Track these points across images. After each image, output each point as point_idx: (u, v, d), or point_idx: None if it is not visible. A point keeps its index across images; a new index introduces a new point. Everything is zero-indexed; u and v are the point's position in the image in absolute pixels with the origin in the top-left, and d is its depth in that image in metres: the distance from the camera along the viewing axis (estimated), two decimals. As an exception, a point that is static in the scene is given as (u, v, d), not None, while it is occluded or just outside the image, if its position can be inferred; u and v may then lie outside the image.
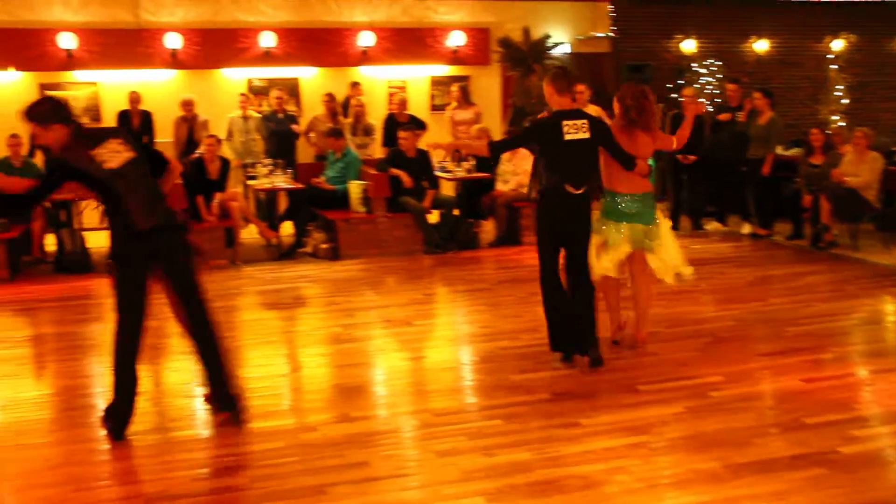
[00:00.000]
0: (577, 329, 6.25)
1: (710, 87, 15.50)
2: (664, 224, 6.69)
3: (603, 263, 6.34)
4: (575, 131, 6.03)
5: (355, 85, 13.27)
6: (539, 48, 12.54)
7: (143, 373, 6.56)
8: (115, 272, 5.25)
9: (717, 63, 15.72)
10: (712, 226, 11.85)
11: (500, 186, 11.01)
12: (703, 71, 15.68)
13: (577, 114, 6.19)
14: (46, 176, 5.53)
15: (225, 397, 5.33)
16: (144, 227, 5.06)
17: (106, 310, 8.76)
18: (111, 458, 5.05)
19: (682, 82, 14.85)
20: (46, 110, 5.12)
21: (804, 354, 6.42)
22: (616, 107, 6.57)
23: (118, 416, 5.25)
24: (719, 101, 14.15)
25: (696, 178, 11.69)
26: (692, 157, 11.30)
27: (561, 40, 14.22)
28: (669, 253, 6.55)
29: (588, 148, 6.13)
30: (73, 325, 8.19)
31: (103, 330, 8.02)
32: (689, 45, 15.71)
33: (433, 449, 4.83)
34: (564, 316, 6.28)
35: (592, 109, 8.92)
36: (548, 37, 12.70)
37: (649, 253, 6.48)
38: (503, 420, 5.22)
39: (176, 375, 6.48)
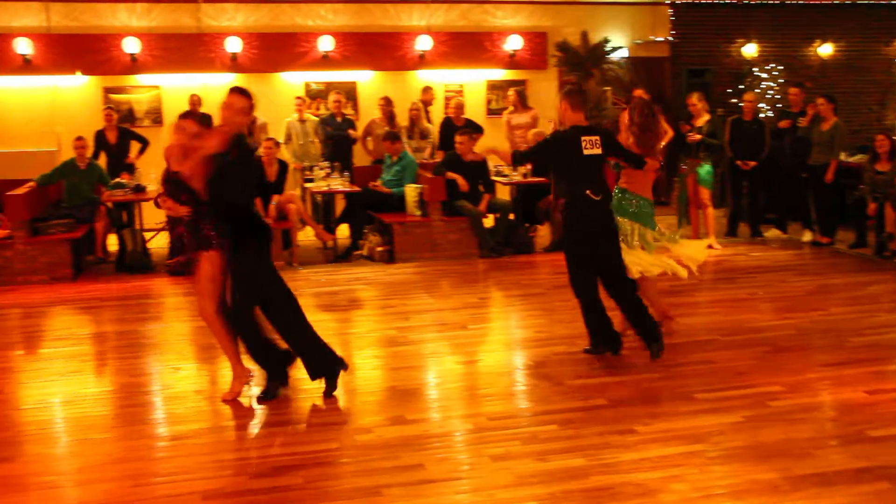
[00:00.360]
0: (638, 324, 6.57)
1: (772, 92, 15.27)
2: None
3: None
4: (591, 147, 6.44)
5: (427, 90, 13.33)
6: (597, 52, 12.43)
7: (201, 373, 6.73)
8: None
9: (779, 67, 15.48)
10: (772, 233, 11.69)
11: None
12: (765, 76, 15.45)
13: (591, 130, 6.60)
14: None
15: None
16: None
17: (165, 309, 8.94)
18: (169, 455, 5.11)
19: (743, 87, 14.65)
20: None
21: (867, 366, 6.29)
22: (625, 116, 6.96)
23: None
24: (780, 106, 13.92)
25: (756, 184, 11.53)
26: (752, 163, 11.15)
27: (619, 44, 14.13)
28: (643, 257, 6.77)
29: (601, 161, 6.58)
30: (133, 323, 8.35)
31: (162, 329, 8.20)
32: (750, 50, 15.47)
33: (487, 453, 4.80)
34: (602, 312, 6.57)
35: None
36: (606, 41, 12.57)
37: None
38: (558, 425, 5.19)
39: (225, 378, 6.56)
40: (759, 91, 14.72)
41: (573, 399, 5.70)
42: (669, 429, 5.10)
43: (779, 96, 14.88)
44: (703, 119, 10.90)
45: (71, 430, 5.74)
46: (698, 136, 10.72)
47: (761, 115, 13.06)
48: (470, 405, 5.76)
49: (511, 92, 12.52)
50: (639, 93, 10.92)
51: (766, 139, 11.29)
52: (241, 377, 5.94)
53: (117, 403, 6.18)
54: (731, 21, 15.69)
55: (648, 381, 6.04)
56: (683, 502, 4.20)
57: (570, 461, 4.66)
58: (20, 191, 10.19)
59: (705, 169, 10.82)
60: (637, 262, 6.66)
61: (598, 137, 6.48)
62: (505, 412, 5.55)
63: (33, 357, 7.64)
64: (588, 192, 6.39)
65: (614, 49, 12.87)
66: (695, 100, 11.02)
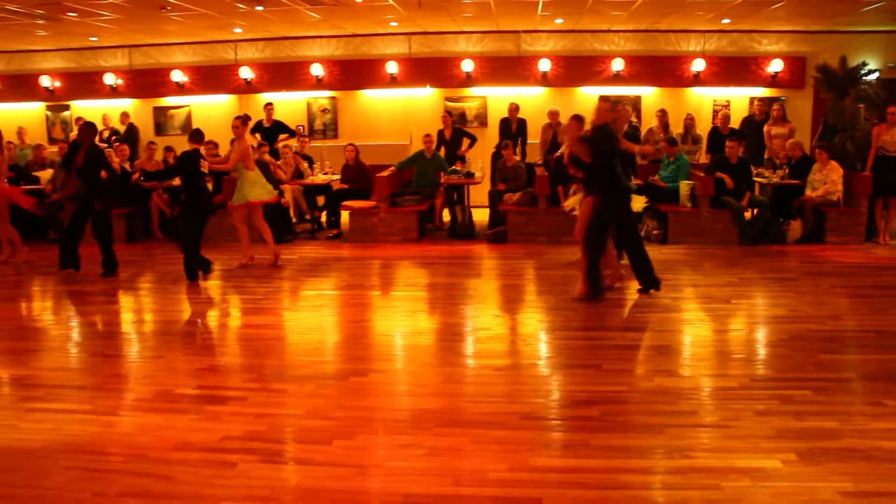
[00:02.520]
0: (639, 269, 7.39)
1: None
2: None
3: None
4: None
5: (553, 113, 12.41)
6: (854, 74, 11.34)
7: (515, 319, 6.88)
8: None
9: None
10: None
11: (809, 192, 10.15)
12: None
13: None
14: None
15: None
16: None
17: (485, 268, 9.21)
18: (491, 382, 5.21)
19: None
20: None
21: None
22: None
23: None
24: None
25: None
26: None
27: (874, 67, 12.79)
28: None
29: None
30: (460, 278, 8.66)
31: (479, 283, 8.47)
32: None
33: (751, 408, 4.58)
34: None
35: None
36: (864, 64, 11.44)
37: None
38: (812, 392, 4.84)
39: (539, 324, 6.68)
40: None
41: (825, 370, 5.29)
42: (918, 406, 4.61)
43: None
44: None
45: (409, 354, 6.04)
46: None
47: None
48: (734, 367, 5.49)
49: (776, 107, 11.70)
50: (892, 109, 9.90)
51: None
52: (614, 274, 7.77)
53: (441, 337, 6.45)
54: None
55: (894, 361, 5.50)
56: (933, 472, 3.79)
57: (824, 423, 4.34)
58: (384, 173, 10.88)
59: None
60: None
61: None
62: (765, 375, 5.25)
63: (386, 297, 8.08)
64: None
65: (870, 71, 11.70)
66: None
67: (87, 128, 8.94)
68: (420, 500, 3.59)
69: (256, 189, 8.89)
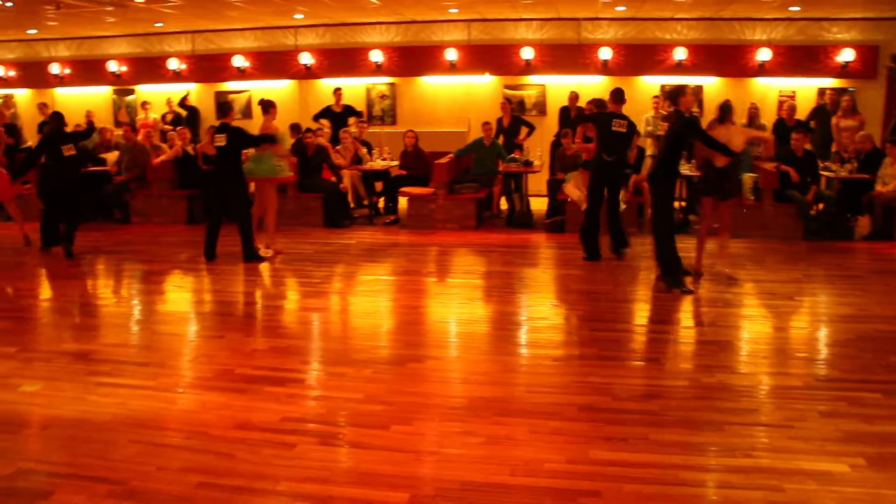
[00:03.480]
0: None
1: None
2: None
3: None
4: (619, 127, 8.38)
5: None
6: (930, 64, 10.96)
7: (573, 309, 6.81)
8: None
9: None
10: None
11: (880, 187, 9.79)
12: None
13: (622, 116, 8.45)
14: None
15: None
16: None
17: (541, 258, 9.16)
18: (549, 372, 5.17)
19: None
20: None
21: None
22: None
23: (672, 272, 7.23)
24: None
25: None
26: None
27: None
28: None
29: (624, 137, 8.48)
30: (517, 266, 8.62)
31: (536, 273, 8.42)
32: None
33: (816, 409, 4.43)
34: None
35: None
36: (942, 53, 11.04)
37: None
38: (881, 394, 4.66)
39: (597, 316, 6.62)
40: None
41: (895, 373, 5.12)
42: None
43: None
44: None
45: (465, 342, 6.02)
46: None
47: None
48: (798, 365, 5.33)
49: (846, 98, 11.33)
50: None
51: None
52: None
53: (502, 326, 6.42)
54: None
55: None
56: None
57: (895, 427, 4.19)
58: (443, 160, 10.87)
59: None
60: None
61: (625, 121, 8.45)
62: (830, 375, 5.08)
63: (443, 284, 8.07)
64: (605, 156, 8.40)
65: (946, 61, 11.27)
66: None
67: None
68: (476, 488, 3.58)
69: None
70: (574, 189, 9.87)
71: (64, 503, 3.48)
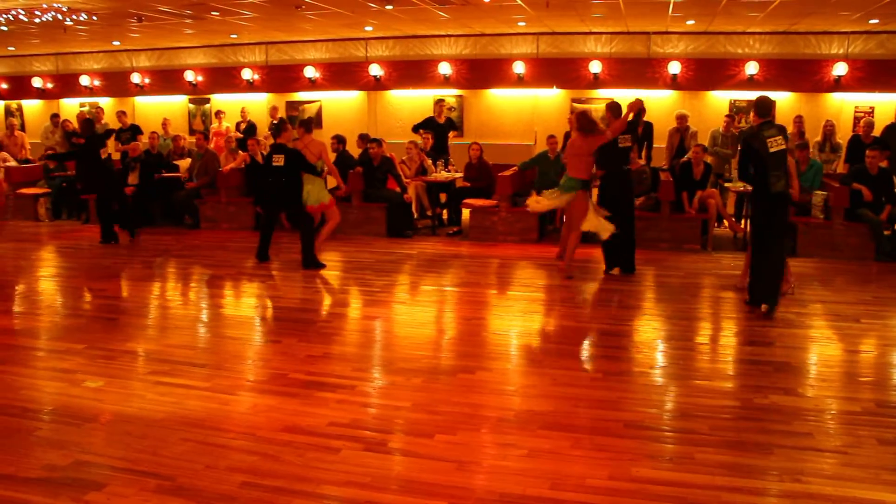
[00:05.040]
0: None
1: None
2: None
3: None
4: (622, 143, 8.48)
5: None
6: None
7: (630, 325, 6.73)
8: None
9: None
10: None
11: (960, 208, 9.41)
12: None
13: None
14: None
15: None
16: None
17: (601, 273, 9.04)
18: (597, 387, 5.12)
19: None
20: None
21: None
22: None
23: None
24: None
25: None
26: None
27: None
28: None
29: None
30: (576, 281, 8.46)
31: (595, 287, 8.31)
32: None
33: (874, 435, 4.28)
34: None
35: None
36: None
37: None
38: (948, 424, 4.47)
39: (654, 332, 6.52)
40: None
41: (965, 402, 4.89)
42: None
43: None
44: None
45: (520, 354, 6.02)
46: None
47: None
48: (857, 390, 5.14)
49: (924, 114, 10.94)
50: None
51: None
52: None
53: (554, 341, 6.40)
54: None
55: None
56: None
57: (958, 458, 4.00)
58: (507, 173, 10.86)
59: None
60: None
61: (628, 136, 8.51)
62: (892, 402, 4.88)
63: (502, 296, 8.02)
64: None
65: None
66: None
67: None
68: (516, 500, 3.58)
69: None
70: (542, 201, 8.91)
71: (115, 495, 3.62)
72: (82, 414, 4.61)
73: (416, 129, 12.53)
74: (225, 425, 4.43)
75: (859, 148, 10.51)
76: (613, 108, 8.57)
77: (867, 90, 12.99)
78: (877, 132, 11.22)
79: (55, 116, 14.72)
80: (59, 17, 11.32)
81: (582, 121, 8.39)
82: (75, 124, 13.55)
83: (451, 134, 12.72)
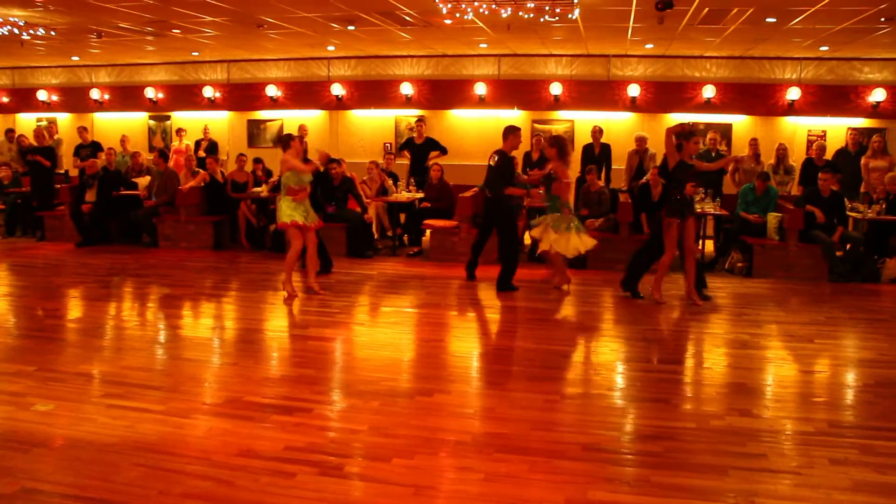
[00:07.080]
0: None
1: None
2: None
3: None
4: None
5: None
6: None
7: (594, 347, 6.75)
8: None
9: None
10: None
11: (909, 230, 9.68)
12: None
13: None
14: None
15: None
16: None
17: (561, 295, 9.08)
18: (555, 410, 5.13)
19: None
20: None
21: None
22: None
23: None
24: None
25: None
26: None
27: None
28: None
29: None
30: (535, 302, 8.42)
31: (556, 308, 8.31)
32: None
33: (826, 455, 4.33)
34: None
35: None
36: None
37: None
38: (896, 443, 4.56)
39: (612, 354, 6.55)
40: None
41: (912, 421, 4.99)
42: None
43: None
44: None
45: (479, 376, 5.99)
46: None
47: None
48: (810, 410, 5.21)
49: (876, 139, 11.22)
50: None
51: None
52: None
53: (517, 362, 6.36)
54: None
55: None
56: None
57: (907, 478, 4.07)
58: (467, 194, 10.90)
59: None
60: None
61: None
62: (844, 421, 4.96)
63: (462, 317, 7.97)
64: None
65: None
66: None
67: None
68: (472, 525, 3.55)
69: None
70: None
71: (62, 525, 3.51)
72: (31, 439, 4.47)
73: (399, 149, 12.65)
74: (179, 450, 4.34)
75: (812, 170, 10.77)
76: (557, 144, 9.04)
77: (819, 114, 13.32)
78: (828, 155, 11.50)
79: (10, 131, 14.45)
80: (16, 31, 11.14)
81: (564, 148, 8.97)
82: (31, 140, 13.30)
83: (432, 154, 12.65)
